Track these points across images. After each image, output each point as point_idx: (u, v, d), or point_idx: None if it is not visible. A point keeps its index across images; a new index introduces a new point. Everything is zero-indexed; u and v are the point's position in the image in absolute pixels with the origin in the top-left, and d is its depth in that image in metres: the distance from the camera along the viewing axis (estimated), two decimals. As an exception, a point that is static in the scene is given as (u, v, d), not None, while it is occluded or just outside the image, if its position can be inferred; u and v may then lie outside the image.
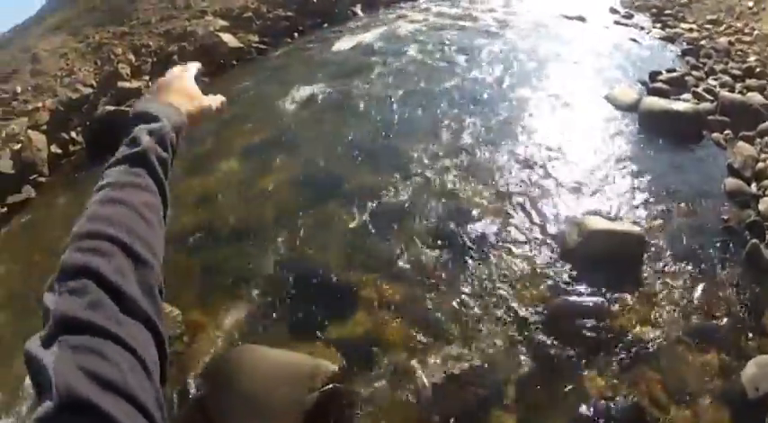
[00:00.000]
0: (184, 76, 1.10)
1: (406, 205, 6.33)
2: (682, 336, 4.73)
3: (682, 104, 7.01)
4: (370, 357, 4.83)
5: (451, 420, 4.34)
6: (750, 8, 9.03)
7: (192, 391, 4.95)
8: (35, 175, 7.52)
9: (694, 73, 7.80)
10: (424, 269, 5.52)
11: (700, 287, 5.07)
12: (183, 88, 1.05)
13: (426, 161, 6.98)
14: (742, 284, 5.10)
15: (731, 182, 6.05)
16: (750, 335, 4.74)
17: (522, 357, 4.65)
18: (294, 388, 4.57)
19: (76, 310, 0.61)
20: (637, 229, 5.35)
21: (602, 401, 4.32)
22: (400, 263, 5.63)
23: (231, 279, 5.81)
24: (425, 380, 4.63)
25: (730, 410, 4.28)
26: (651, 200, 5.86)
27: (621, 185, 6.07)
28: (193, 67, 1.15)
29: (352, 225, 6.21)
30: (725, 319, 4.84)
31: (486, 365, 4.62)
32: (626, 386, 4.41)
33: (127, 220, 0.73)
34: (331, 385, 4.59)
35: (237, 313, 5.49)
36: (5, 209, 6.63)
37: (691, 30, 8.83)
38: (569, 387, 4.43)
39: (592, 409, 4.28)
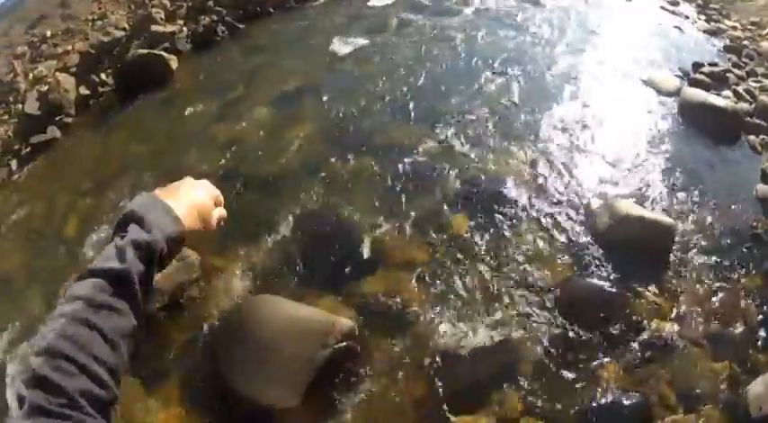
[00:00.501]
0: (199, 185, 1.11)
1: (437, 165, 6.05)
2: (698, 338, 4.59)
3: (722, 101, 6.72)
4: (387, 318, 4.69)
5: (461, 391, 4.24)
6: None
7: (203, 338, 4.83)
8: (61, 116, 7.45)
9: (736, 71, 7.58)
10: (450, 233, 5.31)
11: (721, 292, 4.90)
12: (193, 198, 1.04)
13: (461, 122, 6.65)
14: (762, 296, 4.94)
15: (763, 188, 5.86)
16: (762, 350, 4.62)
17: (539, 335, 4.48)
18: (308, 343, 4.41)
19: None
20: (668, 219, 5.13)
21: (613, 392, 4.21)
22: (426, 225, 5.41)
23: (252, 226, 5.59)
24: (439, 348, 4.48)
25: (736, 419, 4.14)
26: (682, 192, 5.65)
27: (654, 172, 5.84)
28: (211, 189, 1.15)
29: (380, 181, 5.95)
30: (740, 329, 4.71)
31: (502, 340, 4.47)
32: (638, 380, 4.28)
33: (95, 347, 0.79)
34: (345, 343, 4.43)
35: (256, 261, 5.31)
36: (29, 149, 6.53)
37: (734, 28, 8.62)
38: (583, 372, 4.30)
39: (602, 399, 4.17)
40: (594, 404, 4.12)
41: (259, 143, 6.66)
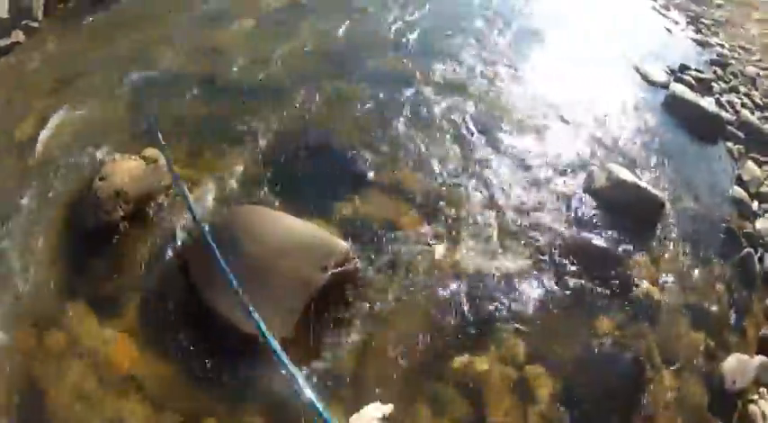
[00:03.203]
0: None
1: (435, 99, 6.16)
2: (680, 308, 5.01)
3: (708, 104, 7.36)
4: (382, 244, 4.67)
5: (461, 329, 4.33)
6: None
7: (174, 254, 4.51)
8: (28, 21, 7.12)
9: (720, 84, 8.23)
10: (446, 167, 5.41)
11: (698, 271, 5.37)
12: None
13: (460, 61, 6.84)
14: (733, 283, 5.47)
15: (738, 190, 6.49)
16: (733, 331, 5.12)
17: (536, 281, 4.70)
18: (306, 264, 4.10)
19: None
20: (659, 192, 5.59)
21: (609, 345, 4.49)
22: (421, 154, 5.48)
23: (234, 136, 5.38)
24: (438, 282, 4.53)
25: (709, 393, 4.61)
26: (666, 174, 6.12)
27: (641, 150, 6.29)
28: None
29: (372, 106, 5.92)
30: (715, 308, 5.18)
31: (499, 281, 4.63)
32: (628, 337, 4.59)
33: None
34: (345, 267, 4.23)
35: (235, 172, 5.09)
36: None
37: (722, 46, 9.34)
38: (581, 322, 4.56)
39: (598, 350, 4.45)
40: (591, 355, 4.40)
41: (242, 53, 6.44)
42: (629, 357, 4.48)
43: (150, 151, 4.94)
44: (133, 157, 4.88)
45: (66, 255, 4.51)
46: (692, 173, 6.42)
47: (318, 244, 4.22)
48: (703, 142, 6.94)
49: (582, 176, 5.63)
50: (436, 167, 5.33)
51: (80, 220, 4.61)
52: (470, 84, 6.52)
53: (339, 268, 4.16)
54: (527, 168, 5.57)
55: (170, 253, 4.53)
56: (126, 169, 4.70)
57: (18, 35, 6.82)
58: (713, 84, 8.12)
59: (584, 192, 5.47)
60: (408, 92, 6.13)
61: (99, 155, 4.97)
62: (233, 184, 4.97)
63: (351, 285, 4.29)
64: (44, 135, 5.29)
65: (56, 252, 4.52)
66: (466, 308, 4.38)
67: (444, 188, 5.16)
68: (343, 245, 4.32)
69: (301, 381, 3.09)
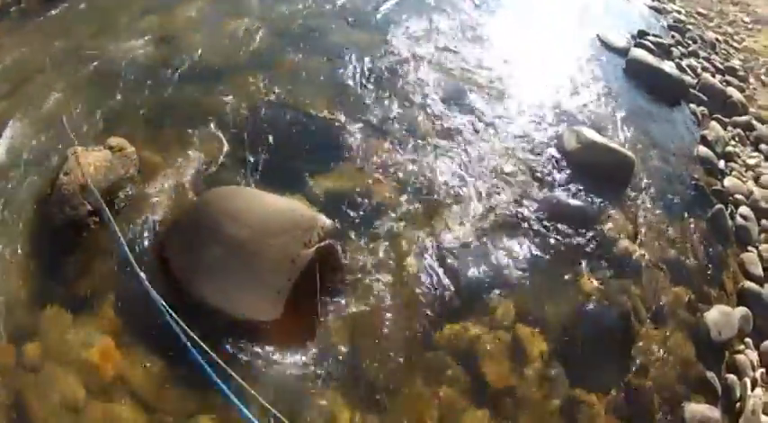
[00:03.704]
0: None
1: (401, 70, 6.18)
2: (659, 263, 5.16)
3: (668, 67, 7.58)
4: (362, 217, 4.64)
5: (448, 297, 4.35)
6: (745, 22, 9.94)
7: (149, 243, 4.26)
8: None
9: (679, 48, 8.38)
10: (417, 136, 5.42)
11: (672, 228, 5.55)
12: None
13: (424, 32, 6.88)
14: (707, 239, 5.67)
15: (703, 150, 6.72)
16: (712, 284, 5.31)
17: (518, 244, 4.78)
18: (290, 240, 4.00)
19: None
20: (629, 152, 5.76)
21: (594, 303, 4.61)
22: (391, 123, 5.47)
23: (197, 118, 5.16)
24: (421, 251, 4.53)
25: (695, 345, 4.78)
26: (633, 136, 6.30)
27: (606, 115, 6.44)
28: None
29: (338, 79, 5.87)
30: (693, 262, 5.37)
31: (482, 247, 4.68)
32: (613, 293, 4.71)
33: None
34: (328, 241, 4.15)
35: (205, 155, 4.89)
36: None
37: (679, 12, 9.52)
38: (565, 282, 4.67)
39: (585, 308, 4.56)
40: (579, 312, 4.50)
41: (198, 36, 6.22)
42: (615, 313, 4.59)
43: (116, 140, 4.71)
44: (97, 147, 4.67)
45: (35, 258, 4.20)
46: (658, 134, 6.60)
47: (300, 219, 4.11)
48: (666, 105, 7.14)
49: (552, 139, 5.74)
50: (408, 138, 5.33)
51: (46, 219, 4.34)
52: (436, 54, 6.55)
53: (322, 243, 4.06)
54: (498, 133, 5.64)
55: (145, 245, 4.28)
56: (90, 161, 4.45)
57: None
58: (672, 49, 8.34)
59: (556, 154, 5.57)
60: (370, 65, 6.08)
61: (62, 150, 4.67)
62: (203, 167, 4.79)
63: (334, 260, 4.21)
64: (3, 140, 4.96)
65: (23, 257, 4.20)
66: (451, 276, 4.40)
67: (418, 158, 5.17)
68: (324, 219, 4.25)
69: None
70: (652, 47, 7.99)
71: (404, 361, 3.99)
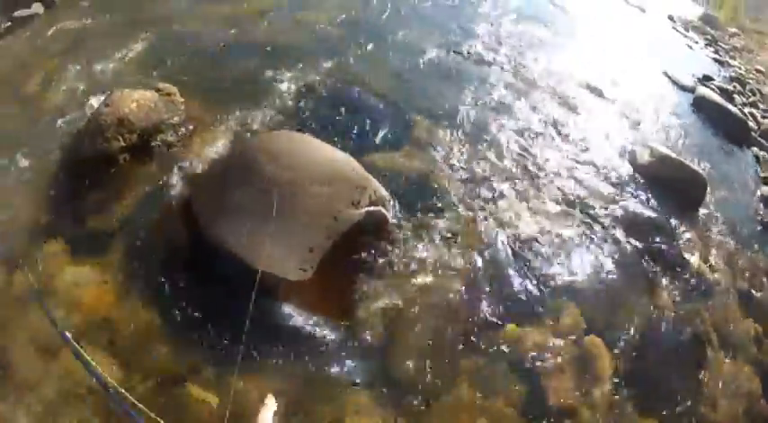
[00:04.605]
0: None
1: (472, 70, 5.86)
2: (730, 291, 4.63)
3: (734, 108, 7.20)
4: (417, 199, 4.11)
5: (509, 295, 3.77)
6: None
7: (177, 188, 3.87)
8: None
9: (741, 97, 8.12)
10: (488, 132, 4.99)
11: (742, 259, 5.03)
12: None
13: (494, 37, 6.55)
14: None
15: (765, 190, 6.24)
16: None
17: (589, 249, 4.26)
18: (336, 193, 3.45)
19: None
20: (702, 172, 5.31)
21: (668, 321, 4.06)
22: (459, 117, 5.07)
23: (255, 88, 4.91)
24: (482, 244, 3.97)
25: (762, 380, 4.21)
26: (700, 164, 5.79)
27: (675, 141, 6.03)
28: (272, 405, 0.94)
29: (406, 69, 5.56)
30: (762, 296, 4.82)
31: (550, 247, 4.15)
32: (686, 313, 4.18)
33: None
34: (379, 208, 3.66)
35: (257, 116, 4.57)
36: (10, 23, 6.08)
37: (740, 67, 9.29)
38: (639, 294, 4.12)
39: (657, 325, 4.01)
40: (653, 329, 3.93)
41: (266, 19, 5.98)
42: (688, 334, 4.06)
43: (165, 85, 4.41)
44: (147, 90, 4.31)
45: (54, 187, 3.89)
46: (725, 167, 6.17)
47: (352, 175, 3.56)
48: (731, 143, 6.70)
49: (624, 153, 5.30)
50: (477, 133, 4.92)
51: (76, 149, 4.00)
52: (511, 61, 6.21)
53: (373, 207, 3.53)
54: (570, 141, 5.21)
55: (171, 191, 3.85)
56: (135, 98, 4.10)
57: (38, 8, 6.52)
58: (735, 96, 7.94)
59: (629, 166, 5.12)
60: (439, 61, 5.80)
61: (109, 91, 4.35)
62: (252, 128, 4.43)
63: (383, 234, 3.66)
64: (56, 83, 4.77)
65: (43, 183, 3.90)
66: (514, 274, 3.86)
67: (485, 152, 4.74)
68: (379, 185, 3.73)
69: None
70: (716, 90, 7.58)
71: (448, 363, 3.37)
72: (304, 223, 3.28)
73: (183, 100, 4.43)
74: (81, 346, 2.29)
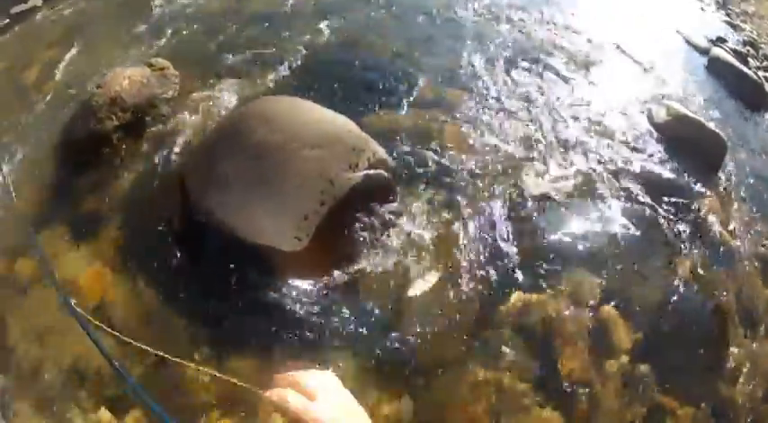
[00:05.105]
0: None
1: (483, 30, 5.36)
2: (753, 260, 4.15)
3: (749, 70, 6.69)
4: (422, 162, 3.73)
5: (519, 260, 3.36)
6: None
7: (171, 162, 3.67)
8: None
9: (755, 61, 7.60)
10: (498, 91, 4.51)
11: (764, 227, 4.51)
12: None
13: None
14: None
15: None
16: None
17: (606, 211, 3.79)
18: (334, 157, 3.12)
19: None
20: (721, 132, 4.78)
21: (687, 290, 3.59)
22: (467, 76, 4.64)
23: (253, 56, 4.61)
24: (491, 204, 3.57)
25: None
26: (718, 125, 5.18)
27: (691, 101, 5.51)
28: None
29: (411, 28, 5.15)
30: None
31: (565, 209, 3.71)
32: (708, 284, 3.71)
33: None
34: (380, 171, 3.28)
35: (257, 86, 4.28)
36: (8, 20, 5.91)
37: (752, 32, 8.69)
38: (656, 261, 3.67)
39: (678, 295, 3.55)
40: (672, 301, 3.50)
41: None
42: (709, 307, 3.62)
43: (158, 60, 4.28)
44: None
45: (49, 173, 3.78)
46: (742, 130, 5.68)
47: (348, 136, 3.26)
48: (747, 106, 6.21)
49: (641, 111, 4.79)
50: (484, 92, 4.46)
51: (70, 133, 3.92)
52: (523, 21, 5.71)
53: (371, 170, 3.20)
54: (584, 96, 4.72)
55: (166, 166, 3.66)
56: (127, 75, 4.02)
57: (36, 0, 6.30)
58: (749, 59, 7.42)
59: (646, 125, 4.63)
60: (448, 20, 5.35)
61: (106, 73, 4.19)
62: (250, 96, 4.08)
63: (384, 199, 3.34)
64: (54, 72, 4.62)
65: (38, 171, 3.80)
66: (525, 238, 3.45)
67: (495, 112, 4.27)
68: (379, 147, 3.40)
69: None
70: (731, 52, 7.05)
71: (455, 336, 3.04)
72: (297, 189, 3.02)
73: (177, 73, 4.26)
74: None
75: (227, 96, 4.14)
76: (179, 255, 3.17)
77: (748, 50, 7.93)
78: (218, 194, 3.09)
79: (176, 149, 3.74)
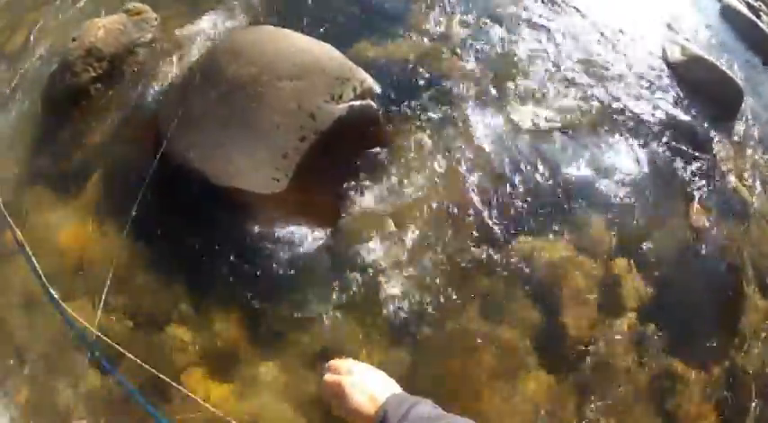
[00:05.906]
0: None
1: None
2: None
3: (761, 23, 6.14)
4: (416, 92, 3.25)
5: (522, 202, 2.94)
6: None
7: (148, 110, 3.30)
8: None
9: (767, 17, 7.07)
10: (500, 17, 3.93)
11: None
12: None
13: None
14: None
15: None
16: None
17: (618, 150, 3.33)
18: (311, 86, 2.73)
19: None
20: (738, 79, 4.30)
21: (702, 244, 3.19)
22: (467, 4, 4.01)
23: None
24: (493, 138, 3.10)
25: None
26: (733, 73, 4.66)
27: (706, 46, 4.92)
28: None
29: None
30: None
31: (568, 146, 3.23)
32: (723, 239, 3.31)
33: None
34: (366, 102, 2.87)
35: (245, 19, 3.79)
36: None
37: None
38: (670, 210, 3.25)
39: (693, 249, 3.16)
40: (686, 255, 3.12)
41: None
42: (725, 265, 3.22)
43: (134, 4, 3.88)
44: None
45: (28, 130, 3.57)
46: (756, 80, 5.16)
47: (330, 64, 2.84)
48: (760, 58, 5.69)
49: (654, 48, 4.26)
50: (488, 18, 3.88)
51: (49, 89, 3.62)
52: None
53: (358, 102, 2.78)
54: (594, 28, 4.17)
55: (142, 114, 3.32)
56: (102, 24, 3.69)
57: None
58: (761, 14, 6.98)
59: (660, 63, 4.11)
60: None
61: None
62: (240, 22, 3.71)
63: (373, 133, 2.91)
64: (38, 37, 4.21)
65: (19, 129, 3.60)
66: (530, 179, 3.01)
67: (501, 42, 3.73)
68: (367, 76, 2.96)
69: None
70: (743, 3, 6.58)
71: (449, 285, 2.67)
72: (273, 125, 2.66)
73: (156, 16, 3.84)
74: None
75: (208, 34, 3.72)
76: (156, 205, 2.81)
77: (760, 5, 7.51)
78: (190, 136, 2.78)
79: (154, 94, 3.40)
